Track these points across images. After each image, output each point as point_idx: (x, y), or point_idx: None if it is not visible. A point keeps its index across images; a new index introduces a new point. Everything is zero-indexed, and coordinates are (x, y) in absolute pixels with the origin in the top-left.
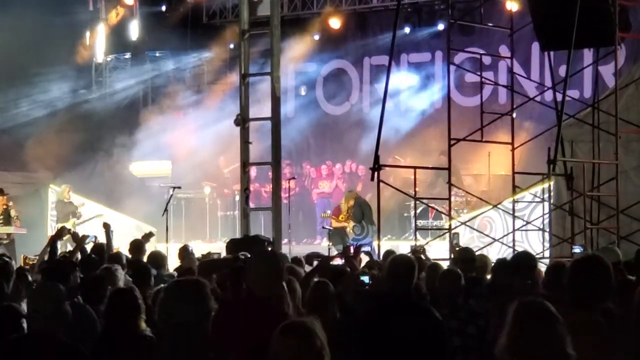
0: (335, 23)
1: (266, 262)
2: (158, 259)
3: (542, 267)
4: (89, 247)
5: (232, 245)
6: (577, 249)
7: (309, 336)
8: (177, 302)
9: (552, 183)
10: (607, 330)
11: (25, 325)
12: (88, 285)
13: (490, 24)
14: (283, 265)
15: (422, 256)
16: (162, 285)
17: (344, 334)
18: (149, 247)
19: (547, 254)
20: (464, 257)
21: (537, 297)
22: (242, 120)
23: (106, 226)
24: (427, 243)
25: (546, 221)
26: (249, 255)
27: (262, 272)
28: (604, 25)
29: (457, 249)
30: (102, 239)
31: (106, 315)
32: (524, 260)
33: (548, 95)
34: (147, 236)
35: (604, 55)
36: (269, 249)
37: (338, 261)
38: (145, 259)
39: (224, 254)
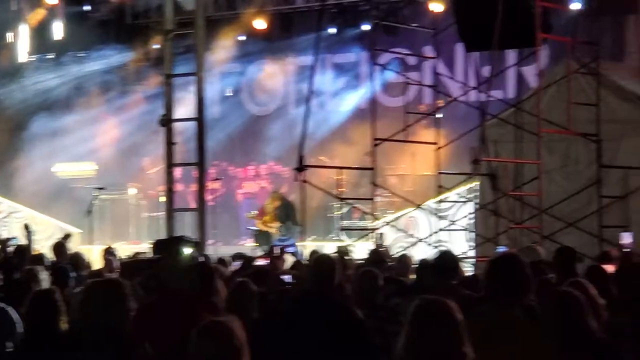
0: (260, 24)
1: (183, 262)
2: (78, 261)
3: (466, 266)
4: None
5: (158, 246)
6: (501, 249)
7: (227, 336)
8: (96, 302)
9: (477, 183)
10: (528, 327)
11: None
12: (10, 287)
13: (414, 25)
14: (202, 264)
15: (347, 257)
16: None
17: (265, 334)
18: (72, 249)
19: (470, 253)
20: (374, 259)
21: (435, 297)
22: (167, 121)
23: (26, 227)
24: (351, 244)
25: (472, 221)
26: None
27: (179, 272)
28: (526, 27)
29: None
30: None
31: (27, 316)
32: (446, 260)
33: (473, 96)
34: (66, 237)
35: (526, 55)
36: (193, 249)
37: (263, 262)
38: None
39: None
